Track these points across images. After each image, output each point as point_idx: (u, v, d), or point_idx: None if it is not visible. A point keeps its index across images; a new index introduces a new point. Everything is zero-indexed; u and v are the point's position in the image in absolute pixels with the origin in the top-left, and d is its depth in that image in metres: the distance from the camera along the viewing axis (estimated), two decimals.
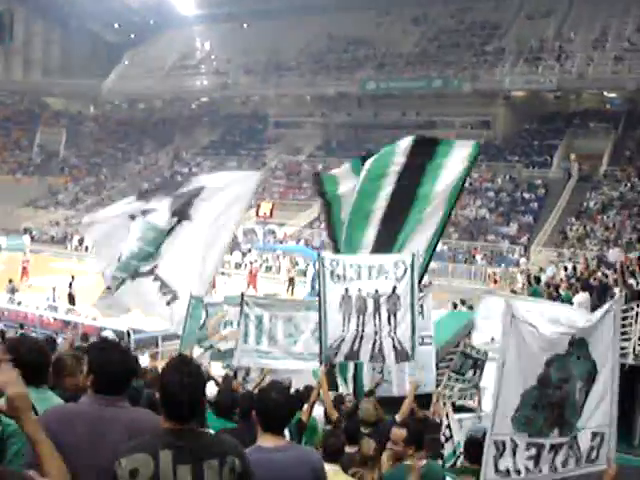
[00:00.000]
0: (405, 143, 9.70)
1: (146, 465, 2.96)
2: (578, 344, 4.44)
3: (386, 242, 9.20)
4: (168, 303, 9.26)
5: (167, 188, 10.34)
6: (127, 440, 3.19)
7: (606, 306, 4.58)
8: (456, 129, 51.07)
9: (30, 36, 70.84)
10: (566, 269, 29.33)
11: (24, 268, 34.28)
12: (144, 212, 9.47)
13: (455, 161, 9.18)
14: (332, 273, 7.46)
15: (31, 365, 3.85)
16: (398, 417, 6.92)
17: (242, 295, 8.87)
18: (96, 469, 3.20)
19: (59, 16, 69.76)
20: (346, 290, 7.41)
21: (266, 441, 3.88)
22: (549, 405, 4.42)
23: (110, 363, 3.46)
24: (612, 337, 4.51)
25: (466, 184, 36.93)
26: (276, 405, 3.90)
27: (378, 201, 9.43)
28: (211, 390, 9.36)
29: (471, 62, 50.99)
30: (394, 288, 7.35)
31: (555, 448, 4.48)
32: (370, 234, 9.49)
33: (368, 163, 9.85)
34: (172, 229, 9.47)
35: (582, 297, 20.25)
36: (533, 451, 4.45)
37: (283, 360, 8.36)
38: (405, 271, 7.39)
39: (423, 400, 8.52)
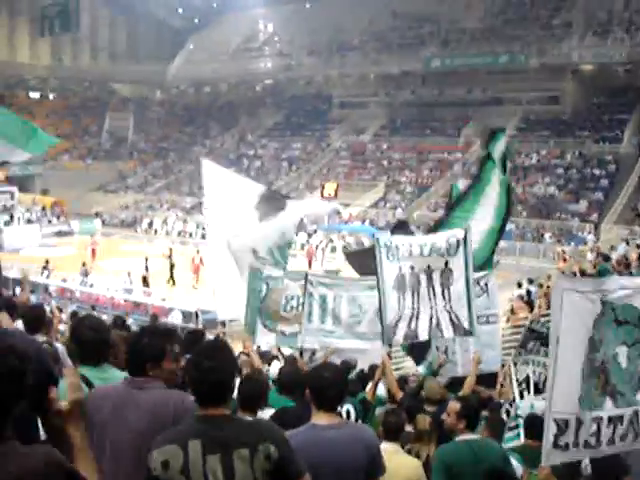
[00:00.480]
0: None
1: (176, 457, 2.93)
2: (622, 308, 4.37)
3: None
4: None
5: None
6: (147, 423, 3.25)
7: None
8: (523, 105, 50.29)
9: (96, 23, 72.17)
10: (638, 247, 28.61)
11: (93, 250, 35.14)
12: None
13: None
14: (386, 253, 7.47)
15: (90, 343, 3.98)
16: (460, 394, 6.89)
17: (306, 274, 8.91)
18: (117, 450, 3.27)
19: (124, 3, 70.78)
20: (399, 269, 7.40)
21: (320, 419, 3.88)
22: (594, 370, 4.35)
23: (138, 346, 3.52)
24: None
25: (534, 161, 36.16)
26: (328, 383, 3.91)
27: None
28: (274, 369, 9.46)
29: (538, 36, 49.88)
30: (446, 263, 7.33)
31: (614, 422, 4.41)
32: None
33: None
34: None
35: None
36: (594, 426, 4.39)
37: (347, 340, 8.38)
38: (458, 245, 7.35)
39: (489, 380, 8.46)
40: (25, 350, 2.50)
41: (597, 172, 42.15)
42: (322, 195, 46.16)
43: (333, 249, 38.65)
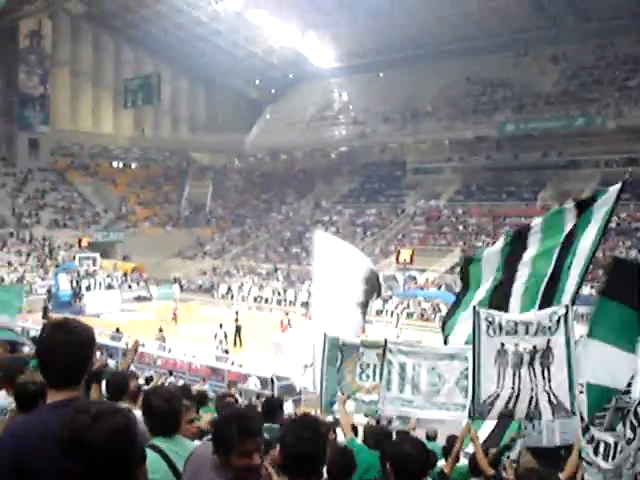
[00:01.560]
0: (570, 211, 9.28)
1: None
2: None
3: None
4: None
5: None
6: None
7: None
8: (601, 168, 49.53)
9: (176, 95, 74.81)
10: None
11: (174, 314, 36.21)
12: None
13: (601, 205, 8.83)
14: (488, 327, 7.35)
15: (161, 414, 4.04)
16: (562, 476, 6.70)
17: (385, 341, 8.86)
18: None
19: (203, 75, 73.39)
20: (502, 345, 7.27)
21: None
22: None
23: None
24: None
25: (613, 224, 35.24)
26: (410, 458, 3.88)
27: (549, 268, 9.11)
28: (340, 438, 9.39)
29: (614, 98, 49.44)
30: (548, 341, 7.16)
31: None
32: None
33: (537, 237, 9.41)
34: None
35: None
36: None
37: (426, 410, 8.26)
38: (559, 323, 7.19)
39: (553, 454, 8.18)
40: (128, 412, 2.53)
41: None
42: (397, 261, 46.07)
43: (409, 315, 38.43)
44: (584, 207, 8.65)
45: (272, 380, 21.38)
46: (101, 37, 69.46)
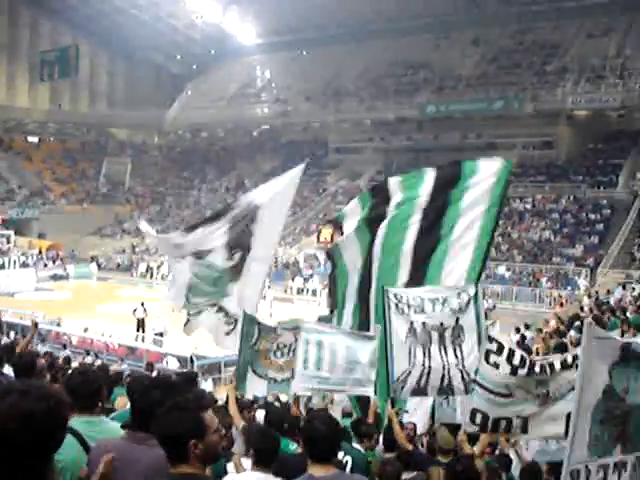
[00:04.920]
0: (429, 176, 9.44)
1: None
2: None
3: (418, 282, 8.85)
4: (227, 333, 9.31)
5: (217, 218, 9.58)
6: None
7: None
8: (518, 150, 50.58)
9: (95, 69, 72.94)
10: (634, 290, 28.66)
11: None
12: (198, 254, 9.38)
13: (481, 178, 8.90)
14: (397, 306, 7.40)
15: (79, 393, 3.94)
16: (477, 449, 6.81)
17: (301, 320, 8.81)
18: None
19: (123, 49, 71.72)
20: (411, 323, 7.34)
21: (316, 470, 3.87)
22: (613, 419, 4.32)
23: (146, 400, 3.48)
24: None
25: (529, 205, 36.33)
26: (321, 435, 3.91)
27: (406, 242, 9.10)
28: (261, 416, 9.34)
29: (532, 82, 50.50)
30: (457, 319, 7.26)
31: (618, 468, 4.37)
32: (402, 276, 9.18)
33: (393, 202, 9.39)
34: (237, 266, 9.43)
35: None
36: (601, 473, 4.35)
37: (343, 386, 8.26)
38: (469, 302, 7.29)
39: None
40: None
41: (592, 216, 42.32)
42: (318, 240, 46.21)
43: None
44: (452, 176, 8.82)
45: (191, 359, 21.25)
46: (17, 8, 67.09)
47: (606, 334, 4.40)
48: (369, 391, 7.73)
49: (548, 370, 5.38)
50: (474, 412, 5.70)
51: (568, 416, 5.06)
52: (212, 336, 9.77)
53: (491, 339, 5.71)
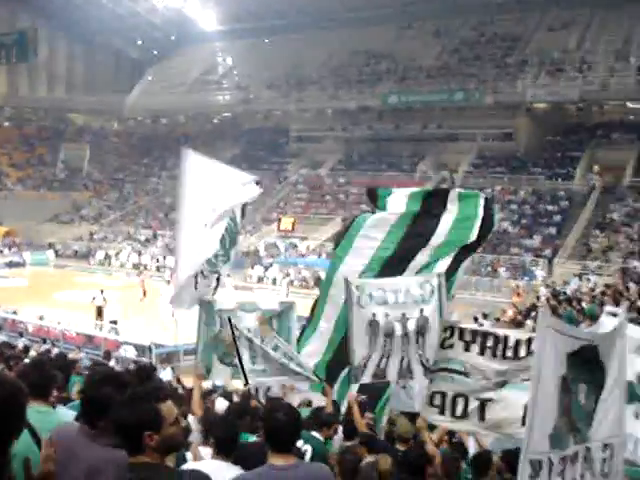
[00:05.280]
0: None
1: None
2: (586, 347, 4.43)
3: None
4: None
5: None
6: (84, 477, 3.21)
7: (620, 316, 4.61)
8: (478, 142, 51.00)
9: (54, 53, 71.73)
10: (589, 281, 29.15)
11: (144, 290, 33.28)
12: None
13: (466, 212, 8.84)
14: (359, 298, 7.42)
15: (32, 383, 3.90)
16: (435, 437, 6.87)
17: (230, 312, 8.65)
18: None
19: (82, 33, 70.61)
20: (373, 315, 7.37)
21: (276, 459, 3.89)
22: (566, 409, 4.38)
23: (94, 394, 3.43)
24: (621, 346, 4.50)
25: (488, 196, 36.48)
26: (282, 426, 3.93)
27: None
28: (221, 405, 9.31)
29: (492, 74, 50.89)
30: (421, 310, 7.31)
31: (573, 460, 4.43)
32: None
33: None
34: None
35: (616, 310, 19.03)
36: (562, 466, 4.41)
37: (283, 376, 8.19)
38: (432, 292, 7.35)
39: None
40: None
41: (550, 208, 42.85)
42: (279, 228, 46.20)
43: (290, 283, 38.63)
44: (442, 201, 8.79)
45: (150, 348, 21.11)
46: None
47: (563, 327, 4.44)
48: (311, 379, 7.77)
49: (501, 346, 5.45)
50: (433, 395, 5.79)
51: (525, 406, 5.13)
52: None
53: (445, 329, 5.80)
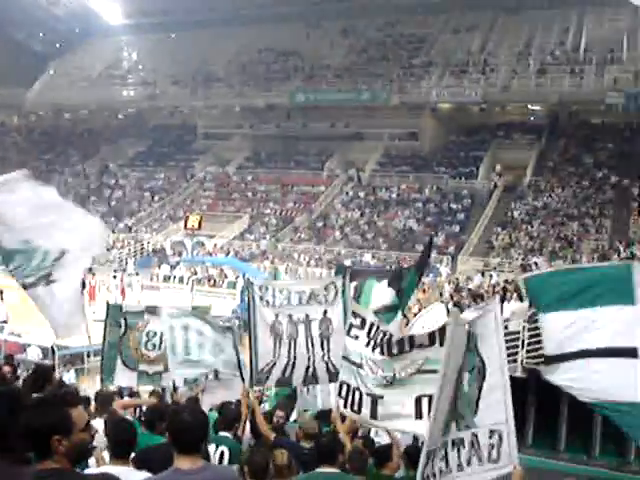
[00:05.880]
0: None
1: None
2: (473, 336, 4.58)
3: None
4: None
5: None
6: None
7: (485, 305, 4.78)
8: (384, 141, 51.64)
9: None
10: (491, 277, 29.93)
11: (122, 289, 32.65)
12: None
13: None
14: (262, 298, 7.42)
15: None
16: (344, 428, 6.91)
17: (165, 307, 8.65)
18: None
19: None
20: (276, 316, 7.38)
21: (182, 463, 3.84)
22: (447, 397, 4.51)
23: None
24: (497, 336, 4.64)
25: (394, 195, 36.95)
26: (188, 427, 3.88)
27: None
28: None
29: (398, 75, 51.64)
30: (325, 312, 7.34)
31: (457, 445, 4.56)
32: None
33: None
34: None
35: (517, 307, 19.61)
36: (442, 451, 4.53)
37: (213, 367, 8.16)
38: (336, 294, 7.39)
39: None
40: None
41: (454, 206, 43.80)
42: (185, 226, 45.66)
43: (198, 281, 38.23)
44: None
45: (52, 350, 20.56)
46: None
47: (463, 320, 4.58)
48: (238, 374, 7.75)
49: (407, 347, 5.54)
50: (341, 385, 5.88)
51: (417, 400, 5.28)
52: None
53: (355, 315, 5.86)
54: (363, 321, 5.81)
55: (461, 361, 4.54)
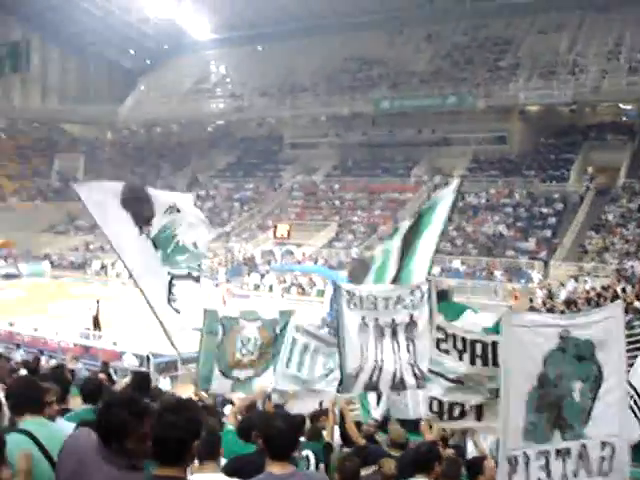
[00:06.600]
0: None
1: None
2: (582, 344, 4.45)
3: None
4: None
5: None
6: None
7: (606, 310, 4.63)
8: (471, 145, 51.08)
9: (47, 64, 71.71)
10: (585, 282, 29.21)
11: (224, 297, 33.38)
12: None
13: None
14: (349, 302, 7.45)
15: (25, 397, 4.04)
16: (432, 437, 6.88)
17: (291, 312, 8.78)
18: None
19: (75, 43, 70.62)
20: (362, 318, 7.39)
21: (274, 468, 3.93)
22: (548, 405, 4.40)
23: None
24: (617, 344, 4.51)
25: (483, 200, 36.55)
26: (281, 433, 3.96)
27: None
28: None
29: (485, 78, 50.97)
30: (411, 316, 7.32)
31: (562, 455, 4.44)
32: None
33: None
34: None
35: None
36: (542, 460, 4.42)
37: (315, 385, 8.24)
38: (422, 298, 7.35)
39: None
40: None
41: (545, 210, 42.93)
42: (274, 235, 46.23)
43: (286, 289, 38.63)
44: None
45: (148, 357, 21.08)
46: None
47: (529, 321, 4.47)
48: (333, 390, 7.78)
49: (490, 361, 5.45)
50: (431, 400, 5.81)
51: None
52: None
53: (439, 328, 5.81)
54: (446, 334, 5.74)
55: (540, 366, 4.43)
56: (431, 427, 6.51)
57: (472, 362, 5.55)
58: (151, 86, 69.59)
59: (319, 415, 8.04)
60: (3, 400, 4.49)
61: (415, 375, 7.28)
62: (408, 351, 7.29)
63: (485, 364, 5.53)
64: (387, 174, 52.71)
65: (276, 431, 3.97)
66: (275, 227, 47.20)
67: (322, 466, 6.43)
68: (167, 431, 3.11)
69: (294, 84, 60.51)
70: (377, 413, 8.87)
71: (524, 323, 4.39)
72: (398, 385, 7.42)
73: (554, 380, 4.40)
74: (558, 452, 4.44)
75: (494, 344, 5.43)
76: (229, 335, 8.57)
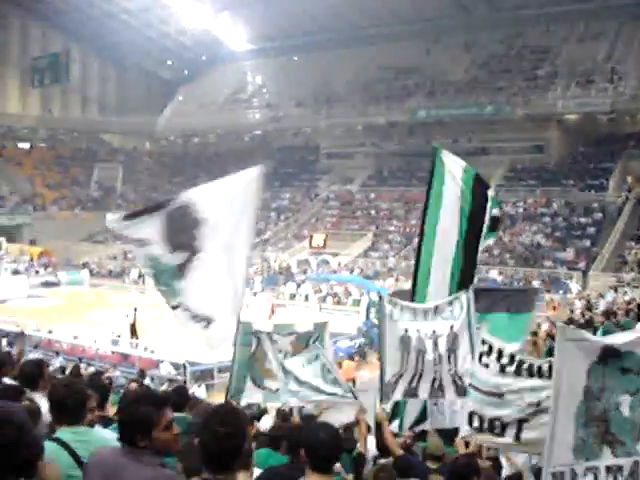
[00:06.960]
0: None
1: None
2: (625, 356, 4.36)
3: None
4: (205, 327, 8.53)
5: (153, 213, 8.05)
6: None
7: None
8: (509, 155, 50.73)
9: (86, 75, 72.81)
10: (625, 293, 28.79)
11: (272, 306, 33.44)
12: (140, 242, 8.13)
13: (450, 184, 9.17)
14: (391, 312, 7.47)
15: (63, 404, 4.02)
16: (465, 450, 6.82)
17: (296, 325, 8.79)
18: None
19: (114, 55, 71.66)
20: (406, 330, 7.40)
21: (315, 479, 3.90)
22: (594, 419, 4.32)
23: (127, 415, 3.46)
24: None
25: (520, 209, 36.27)
26: (324, 444, 3.93)
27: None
28: (265, 424, 9.33)
29: (522, 87, 50.65)
30: (451, 327, 7.31)
31: (613, 472, 4.34)
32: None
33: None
34: (184, 265, 8.27)
35: None
36: (591, 477, 4.34)
37: (315, 397, 8.16)
38: (461, 308, 7.35)
39: None
40: (23, 421, 2.42)
41: (583, 220, 42.47)
42: (310, 245, 46.28)
43: (322, 299, 38.64)
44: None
45: (184, 366, 21.22)
46: (6, 13, 66.83)
47: (582, 335, 4.41)
48: (346, 398, 7.71)
49: (535, 371, 5.39)
50: (471, 415, 5.75)
51: None
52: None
53: (484, 342, 5.76)
54: (490, 347, 5.70)
55: (585, 380, 4.36)
56: (467, 444, 6.45)
57: (518, 373, 5.48)
58: (189, 97, 70.24)
59: (350, 425, 8.01)
60: (43, 409, 4.52)
61: (455, 383, 7.26)
62: (449, 362, 7.28)
63: (531, 375, 5.46)
64: (423, 183, 52.09)
65: (320, 442, 3.94)
66: (311, 237, 47.28)
67: (351, 477, 6.40)
68: (221, 442, 3.16)
69: (330, 94, 60.64)
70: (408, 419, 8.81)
71: (575, 337, 4.34)
72: (437, 392, 7.39)
73: (597, 393, 4.34)
74: (608, 469, 4.34)
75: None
76: (262, 348, 8.58)
